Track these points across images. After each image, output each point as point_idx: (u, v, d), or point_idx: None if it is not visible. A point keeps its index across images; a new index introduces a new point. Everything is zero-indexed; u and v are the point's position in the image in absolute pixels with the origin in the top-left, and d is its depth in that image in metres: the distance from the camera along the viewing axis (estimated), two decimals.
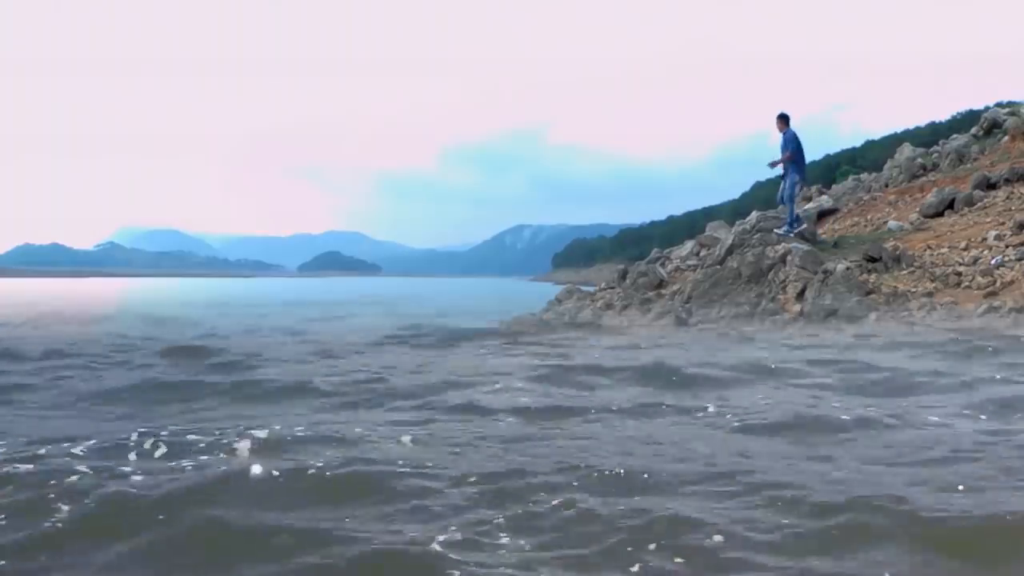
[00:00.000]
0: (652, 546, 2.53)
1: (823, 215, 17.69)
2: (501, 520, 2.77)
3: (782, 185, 13.28)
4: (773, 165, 13.11)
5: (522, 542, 2.59)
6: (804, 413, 4.64)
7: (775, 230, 13.16)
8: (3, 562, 2.46)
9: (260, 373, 6.71)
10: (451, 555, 2.44)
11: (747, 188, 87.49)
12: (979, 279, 11.16)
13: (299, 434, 3.91)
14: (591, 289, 17.28)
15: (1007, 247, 11.97)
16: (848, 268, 11.77)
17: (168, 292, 44.21)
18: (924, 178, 18.89)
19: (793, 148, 12.81)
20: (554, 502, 2.91)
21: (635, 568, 2.41)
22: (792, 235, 13.03)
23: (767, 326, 10.92)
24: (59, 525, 2.71)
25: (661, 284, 14.29)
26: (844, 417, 4.49)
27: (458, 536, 2.61)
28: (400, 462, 3.43)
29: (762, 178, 73.98)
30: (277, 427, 4.01)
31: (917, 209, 15.62)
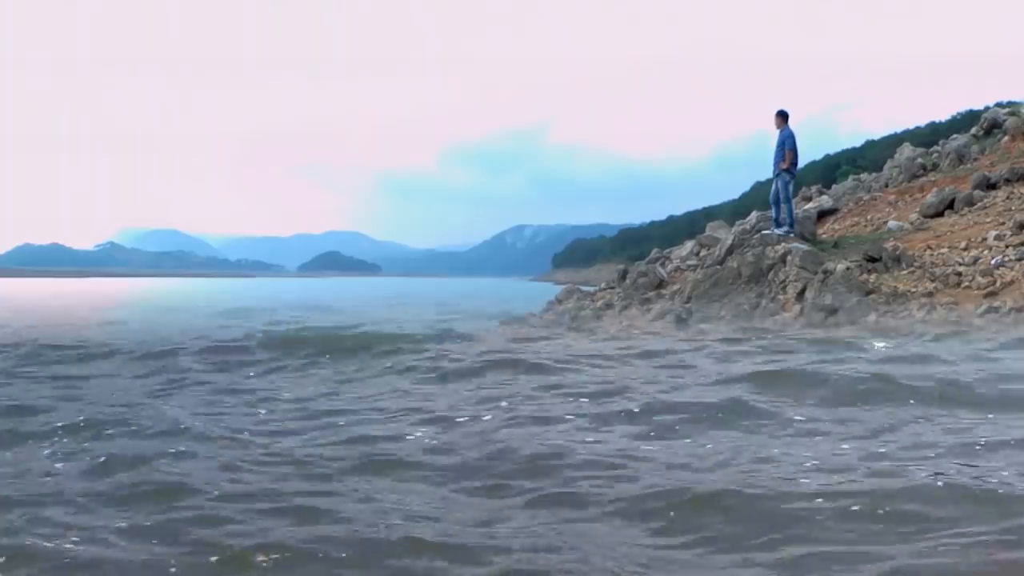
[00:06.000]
0: None
1: (823, 215, 17.66)
2: None
3: (774, 186, 13.23)
4: (789, 168, 12.87)
5: None
6: None
7: (773, 230, 13.12)
8: None
9: None
10: None
11: (747, 188, 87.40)
12: (979, 279, 11.15)
13: None
14: (591, 289, 17.29)
15: (1007, 247, 11.96)
16: (848, 268, 11.77)
17: (254, 293, 43.55)
18: (924, 178, 18.86)
19: (791, 146, 12.79)
20: None
21: None
22: (792, 235, 13.01)
23: (767, 325, 10.92)
24: None
25: (661, 284, 14.29)
26: None
27: None
28: None
29: (762, 178, 73.79)
30: None
31: (917, 209, 15.60)
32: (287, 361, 8.58)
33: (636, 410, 5.40)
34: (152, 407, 5.79)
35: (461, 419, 5.36)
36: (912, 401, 5.39)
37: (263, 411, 5.85)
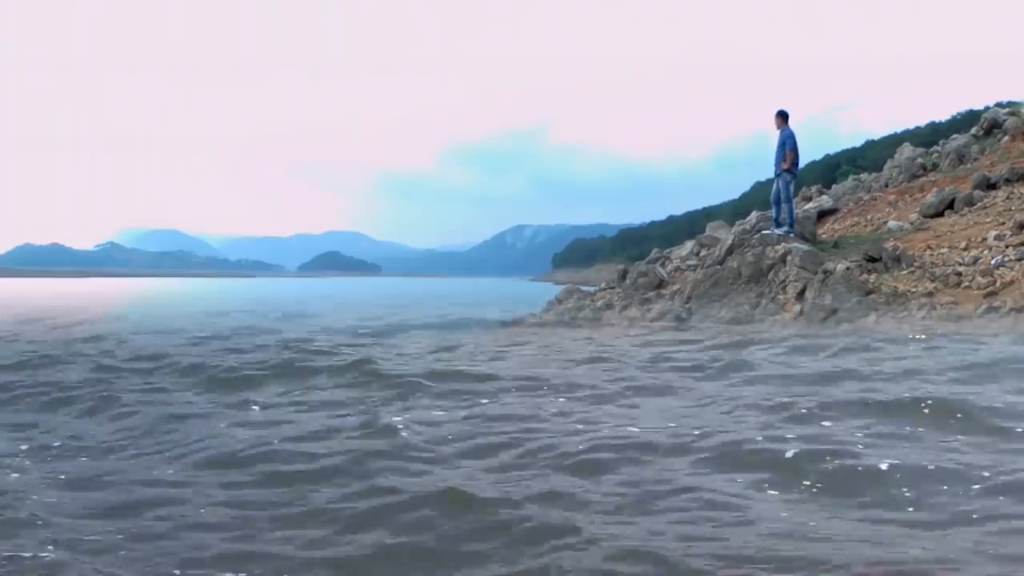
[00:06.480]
0: None
1: (823, 215, 17.66)
2: None
3: (775, 185, 13.23)
4: (790, 168, 12.85)
5: None
6: None
7: (773, 230, 13.12)
8: None
9: None
10: None
11: (747, 188, 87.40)
12: (979, 279, 11.15)
13: None
14: (591, 289, 17.29)
15: (1007, 247, 11.96)
16: (848, 268, 11.77)
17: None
18: (924, 178, 18.86)
19: (792, 147, 12.79)
20: None
21: None
22: (792, 235, 13.01)
23: (767, 326, 10.92)
24: None
25: (661, 284, 14.30)
26: None
27: None
28: None
29: (762, 178, 73.75)
30: None
31: (917, 209, 15.60)
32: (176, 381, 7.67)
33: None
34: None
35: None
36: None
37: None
